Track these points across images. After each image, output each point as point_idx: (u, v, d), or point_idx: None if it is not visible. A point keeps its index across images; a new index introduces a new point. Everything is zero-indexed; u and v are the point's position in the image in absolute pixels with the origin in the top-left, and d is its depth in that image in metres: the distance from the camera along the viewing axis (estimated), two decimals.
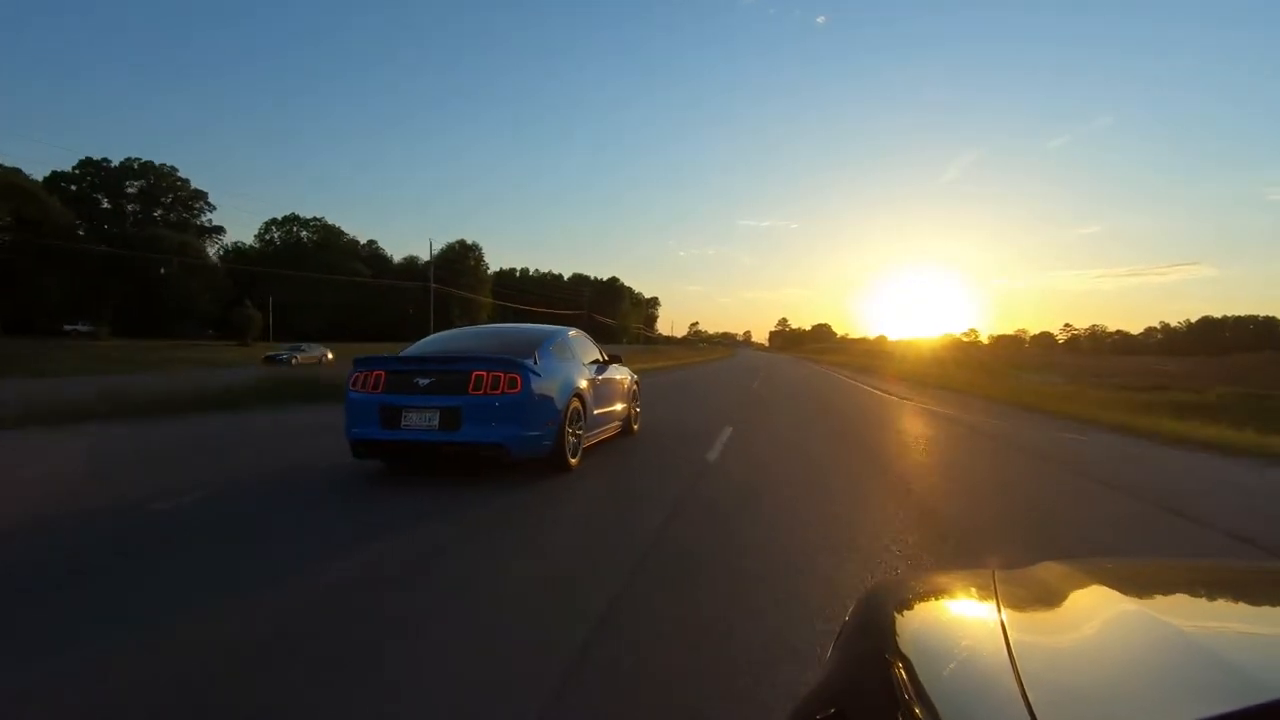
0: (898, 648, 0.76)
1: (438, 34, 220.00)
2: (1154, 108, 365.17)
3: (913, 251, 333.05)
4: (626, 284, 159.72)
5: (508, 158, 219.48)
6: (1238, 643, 0.75)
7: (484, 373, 5.20)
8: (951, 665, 0.70)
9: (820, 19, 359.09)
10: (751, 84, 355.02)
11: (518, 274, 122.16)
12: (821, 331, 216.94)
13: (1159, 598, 0.95)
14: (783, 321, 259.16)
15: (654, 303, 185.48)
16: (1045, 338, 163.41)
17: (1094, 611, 0.81)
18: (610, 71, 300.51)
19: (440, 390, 5.19)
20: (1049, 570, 1.00)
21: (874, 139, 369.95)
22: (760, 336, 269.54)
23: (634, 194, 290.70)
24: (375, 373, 5.33)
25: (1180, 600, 0.97)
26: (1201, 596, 1.01)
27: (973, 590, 1.00)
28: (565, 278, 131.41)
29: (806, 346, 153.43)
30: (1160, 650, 0.67)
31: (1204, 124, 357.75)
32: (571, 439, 5.89)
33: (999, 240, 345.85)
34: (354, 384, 5.37)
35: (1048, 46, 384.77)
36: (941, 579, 1.12)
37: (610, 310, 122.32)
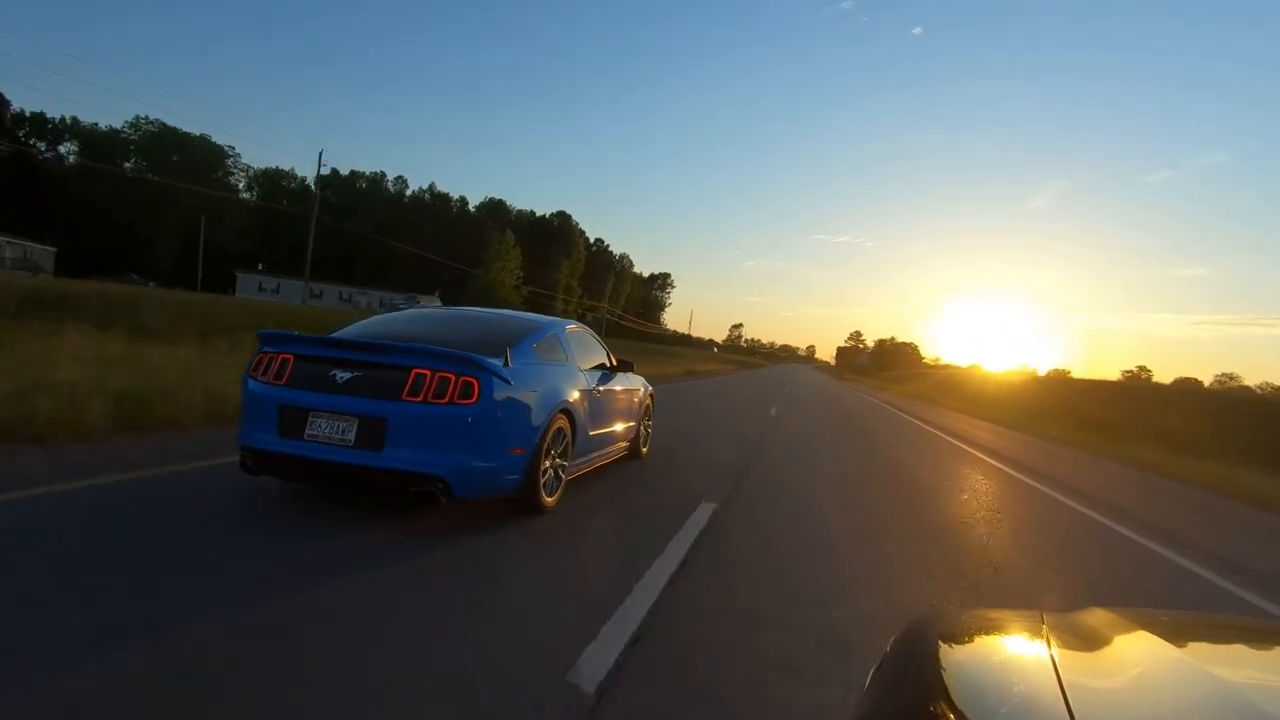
0: (945, 688, 0.74)
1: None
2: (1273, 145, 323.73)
3: (990, 278, 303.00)
4: (631, 256, 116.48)
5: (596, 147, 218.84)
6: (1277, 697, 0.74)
7: (427, 371, 3.64)
8: (1004, 710, 0.67)
9: (916, 30, 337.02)
10: (835, 95, 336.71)
11: (408, 197, 79.43)
12: (904, 354, 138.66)
13: (1210, 650, 0.92)
14: (855, 335, 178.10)
15: (661, 281, 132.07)
16: (1188, 384, 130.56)
17: (1145, 660, 0.79)
18: (696, 76, 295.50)
19: (364, 391, 3.67)
20: (1098, 616, 0.96)
21: (958, 159, 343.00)
22: (826, 354, 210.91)
23: (701, 199, 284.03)
24: (282, 355, 3.87)
25: (1232, 654, 0.94)
26: (1252, 651, 0.97)
27: (1021, 631, 0.94)
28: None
29: (893, 372, 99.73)
30: (1213, 705, 0.66)
31: None
32: (550, 470, 4.29)
33: (1086, 275, 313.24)
34: (255, 369, 3.92)
35: (1156, 75, 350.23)
36: (988, 616, 1.08)
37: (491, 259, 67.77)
